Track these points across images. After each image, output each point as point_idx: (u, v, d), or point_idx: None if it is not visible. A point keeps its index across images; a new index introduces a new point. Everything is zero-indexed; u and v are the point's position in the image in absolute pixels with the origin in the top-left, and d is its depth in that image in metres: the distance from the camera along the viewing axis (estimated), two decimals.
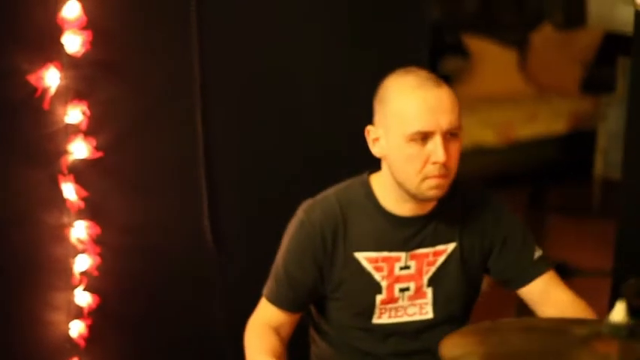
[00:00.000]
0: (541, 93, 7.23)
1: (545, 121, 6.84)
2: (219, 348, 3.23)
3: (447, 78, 2.45)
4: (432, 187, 2.34)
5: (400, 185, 2.38)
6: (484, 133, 6.54)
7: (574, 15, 7.74)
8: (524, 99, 7.08)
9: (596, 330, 1.42)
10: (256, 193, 3.27)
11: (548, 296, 2.49)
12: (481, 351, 1.41)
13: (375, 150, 2.41)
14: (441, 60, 7.03)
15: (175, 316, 3.22)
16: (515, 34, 7.53)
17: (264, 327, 2.49)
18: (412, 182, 2.34)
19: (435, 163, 2.30)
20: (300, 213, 2.48)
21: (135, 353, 3.16)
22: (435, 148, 2.29)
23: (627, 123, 4.04)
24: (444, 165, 2.31)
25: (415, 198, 2.39)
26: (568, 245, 5.51)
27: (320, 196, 2.50)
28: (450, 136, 2.32)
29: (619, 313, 1.36)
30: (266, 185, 3.27)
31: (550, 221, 6.10)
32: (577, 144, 6.87)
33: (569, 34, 7.46)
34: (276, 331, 2.48)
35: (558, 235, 5.77)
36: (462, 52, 7.23)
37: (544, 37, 7.45)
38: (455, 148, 2.34)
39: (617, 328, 1.37)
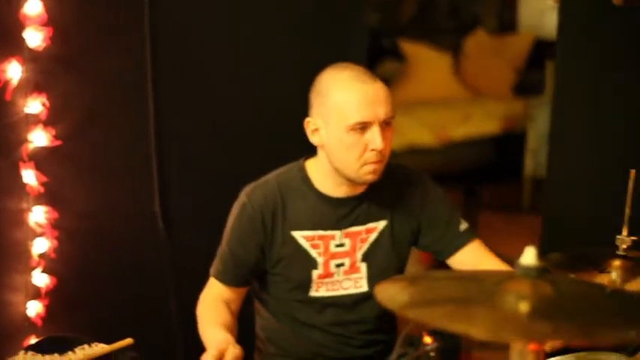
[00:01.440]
0: (475, 96, 7.44)
1: (478, 123, 7.01)
2: (171, 327, 3.40)
3: (384, 81, 2.63)
4: (369, 172, 2.54)
5: (338, 171, 2.58)
6: (420, 134, 6.73)
7: (506, 21, 7.96)
8: (458, 101, 7.27)
9: (510, 275, 1.64)
10: (205, 181, 3.46)
11: (478, 264, 2.70)
12: (411, 291, 1.62)
13: (315, 140, 2.60)
14: (378, 64, 7.19)
15: (128, 297, 3.37)
16: (450, 40, 7.76)
17: (214, 299, 2.66)
18: (351, 168, 2.54)
19: (373, 150, 2.50)
20: (242, 196, 2.67)
21: (89, 332, 3.24)
22: (374, 137, 2.49)
23: (552, 124, 4.26)
24: (381, 152, 2.51)
25: (353, 182, 2.59)
26: (500, 240, 5.68)
27: (261, 180, 2.70)
28: (385, 125, 2.52)
29: (529, 256, 1.58)
30: (214, 173, 3.45)
31: (483, 218, 6.28)
32: (509, 144, 7.04)
33: (502, 39, 7.67)
34: (226, 303, 2.65)
35: (491, 231, 5.94)
36: (399, 56, 7.40)
37: (477, 42, 7.67)
38: (389, 135, 2.54)
39: (528, 269, 1.58)
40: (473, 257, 2.71)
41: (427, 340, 1.86)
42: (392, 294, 1.61)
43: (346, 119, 2.49)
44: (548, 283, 1.59)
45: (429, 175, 2.79)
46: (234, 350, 2.34)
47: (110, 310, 3.34)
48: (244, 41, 3.47)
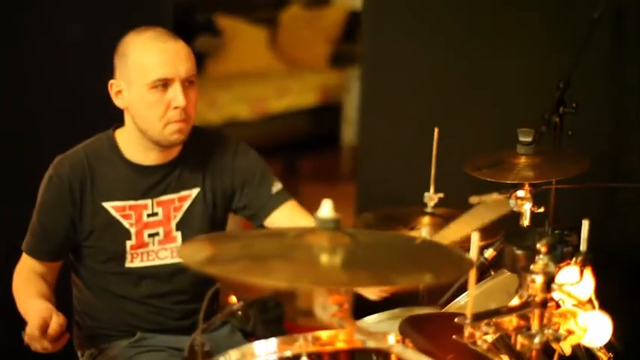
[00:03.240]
0: (291, 69, 7.46)
1: (296, 95, 7.07)
2: None
3: (199, 56, 2.61)
4: (174, 131, 2.52)
5: (144, 133, 2.55)
6: (238, 108, 6.72)
7: None
8: (275, 74, 7.30)
9: (309, 228, 1.64)
10: (12, 157, 3.34)
11: (294, 224, 2.70)
12: (212, 249, 1.60)
13: (119, 102, 2.57)
14: (193, 39, 7.12)
15: None
16: (265, 13, 7.72)
17: (29, 273, 2.60)
18: (155, 128, 2.52)
19: (175, 108, 2.48)
20: (50, 168, 2.61)
21: None
22: (175, 94, 2.48)
23: (362, 93, 4.37)
24: (184, 110, 2.49)
25: (159, 144, 2.56)
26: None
27: (69, 152, 2.63)
28: (187, 83, 2.51)
29: (326, 209, 1.59)
30: (21, 145, 3.34)
31: (303, 188, 6.35)
32: (326, 115, 7.13)
33: (316, 12, 7.70)
34: (41, 276, 2.59)
35: (311, 200, 5.99)
36: (214, 31, 7.34)
37: (292, 15, 7.70)
38: (193, 94, 2.53)
39: (325, 222, 1.59)
40: (288, 218, 2.72)
41: (232, 300, 1.85)
42: (191, 252, 1.59)
43: (147, 76, 2.48)
44: (346, 235, 1.61)
45: (242, 141, 2.78)
46: (57, 318, 2.31)
47: None
48: (40, 21, 3.36)
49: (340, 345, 1.75)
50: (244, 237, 1.76)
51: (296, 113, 7.04)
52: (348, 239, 1.60)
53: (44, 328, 2.29)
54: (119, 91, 2.55)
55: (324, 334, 1.75)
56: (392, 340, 1.80)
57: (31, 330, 2.30)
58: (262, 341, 1.75)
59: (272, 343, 1.76)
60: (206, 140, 2.72)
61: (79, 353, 2.75)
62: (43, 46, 3.37)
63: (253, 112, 6.80)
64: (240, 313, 1.86)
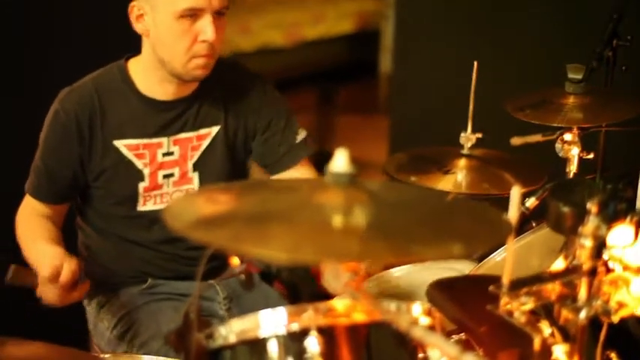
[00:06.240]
0: None
1: (332, 22, 6.96)
2: None
3: None
4: (199, 66, 2.31)
5: (165, 65, 2.34)
6: (272, 34, 6.60)
7: None
8: (310, 1, 7.13)
9: (318, 183, 1.40)
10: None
11: None
12: (204, 208, 1.37)
13: (139, 27, 2.35)
14: None
15: None
16: None
17: (32, 215, 2.43)
18: (179, 61, 2.31)
19: (204, 41, 2.28)
20: (55, 102, 2.41)
21: None
22: (205, 26, 2.27)
23: (396, 21, 4.20)
24: (212, 44, 2.29)
25: (180, 78, 2.36)
26: (357, 141, 5.60)
27: (77, 84, 2.43)
28: (217, 15, 2.29)
29: (339, 162, 1.35)
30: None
31: (339, 119, 6.18)
32: (363, 43, 7.00)
33: None
34: (47, 218, 2.43)
35: (347, 132, 5.85)
36: None
37: None
38: (222, 27, 2.32)
39: (338, 176, 1.34)
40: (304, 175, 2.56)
41: (235, 262, 1.62)
42: (180, 211, 1.36)
43: (176, 4, 2.26)
44: (364, 192, 1.36)
45: (267, 79, 2.59)
46: (69, 265, 2.16)
47: None
48: None
49: (358, 317, 1.50)
50: (243, 192, 1.50)
51: (332, 40, 6.97)
52: (366, 197, 1.36)
53: (55, 277, 2.14)
54: (141, 15, 2.33)
55: (339, 304, 1.51)
56: (417, 309, 1.57)
57: (42, 276, 2.15)
58: (268, 311, 1.52)
59: (280, 313, 1.52)
60: (229, 74, 2.50)
61: (85, 302, 2.59)
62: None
63: (287, 39, 6.69)
64: (242, 276, 1.64)
